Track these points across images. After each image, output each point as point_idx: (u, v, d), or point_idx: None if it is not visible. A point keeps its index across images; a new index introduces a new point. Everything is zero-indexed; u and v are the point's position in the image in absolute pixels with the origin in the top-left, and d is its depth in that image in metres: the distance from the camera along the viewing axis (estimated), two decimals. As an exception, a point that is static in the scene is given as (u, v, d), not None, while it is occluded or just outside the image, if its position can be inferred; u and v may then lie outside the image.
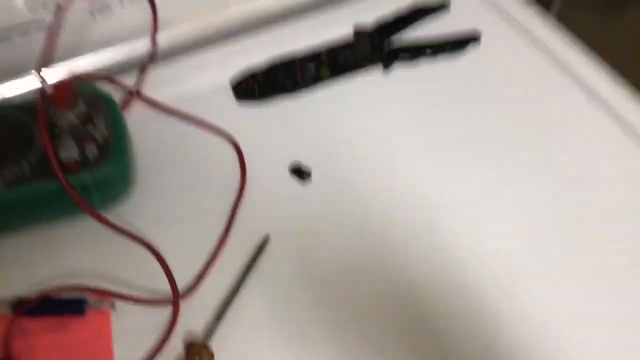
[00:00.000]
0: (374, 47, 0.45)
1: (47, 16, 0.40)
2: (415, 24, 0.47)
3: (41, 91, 0.34)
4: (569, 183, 0.39)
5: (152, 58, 0.43)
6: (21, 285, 0.33)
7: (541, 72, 0.45)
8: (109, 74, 0.41)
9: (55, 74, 0.40)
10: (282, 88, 0.43)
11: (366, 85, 0.44)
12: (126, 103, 0.41)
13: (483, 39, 0.46)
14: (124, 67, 0.43)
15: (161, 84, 0.43)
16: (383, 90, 0.44)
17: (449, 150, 0.41)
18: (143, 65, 0.43)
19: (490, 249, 0.36)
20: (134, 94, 0.41)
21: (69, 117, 0.35)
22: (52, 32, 0.37)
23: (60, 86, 0.35)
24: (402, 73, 0.45)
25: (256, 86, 0.42)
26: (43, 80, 0.35)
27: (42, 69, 0.36)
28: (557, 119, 0.43)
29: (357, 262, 0.35)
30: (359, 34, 0.47)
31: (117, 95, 0.39)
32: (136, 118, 0.40)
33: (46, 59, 0.36)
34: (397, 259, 0.35)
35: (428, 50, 0.45)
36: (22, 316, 0.32)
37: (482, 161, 0.40)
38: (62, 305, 0.33)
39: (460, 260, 0.35)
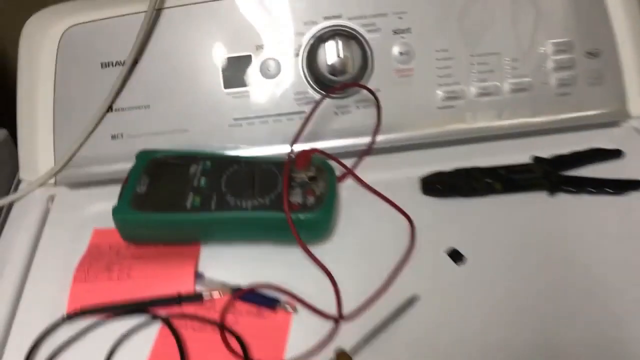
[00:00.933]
0: (546, 174, 0.54)
1: (306, 109, 0.58)
2: (589, 163, 0.55)
3: (289, 156, 0.51)
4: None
5: (369, 150, 0.58)
6: (240, 278, 0.48)
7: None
8: (336, 154, 0.56)
9: (301, 146, 0.56)
10: (460, 191, 0.54)
11: (531, 204, 0.53)
12: (343, 176, 0.56)
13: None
14: (347, 151, 0.58)
15: (370, 169, 0.57)
16: (544, 211, 0.52)
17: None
18: (361, 153, 0.58)
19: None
20: (349, 172, 0.56)
21: (302, 175, 0.51)
22: (306, 120, 0.53)
23: (302, 154, 0.51)
24: (566, 200, 0.53)
25: (440, 185, 0.54)
26: (292, 150, 0.52)
27: (294, 143, 0.53)
28: None
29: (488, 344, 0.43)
30: (538, 160, 0.56)
31: (337, 170, 0.54)
32: (346, 188, 0.55)
33: (298, 137, 0.53)
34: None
35: (591, 188, 0.52)
36: (235, 299, 0.47)
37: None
38: (262, 299, 0.47)
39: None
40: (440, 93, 0.59)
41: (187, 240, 0.50)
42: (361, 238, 0.51)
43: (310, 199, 0.49)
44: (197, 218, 0.48)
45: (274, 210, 0.48)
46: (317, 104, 0.54)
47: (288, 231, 0.47)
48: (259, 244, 0.51)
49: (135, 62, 0.57)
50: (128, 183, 0.50)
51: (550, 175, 0.54)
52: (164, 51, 0.57)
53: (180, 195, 0.49)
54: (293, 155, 0.51)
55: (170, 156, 0.53)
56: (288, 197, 0.48)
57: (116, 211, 0.48)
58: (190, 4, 0.57)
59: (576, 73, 0.59)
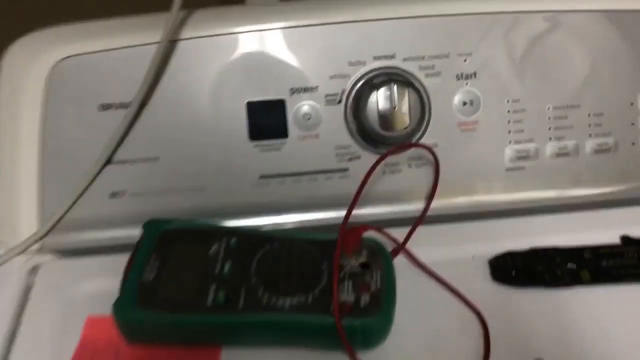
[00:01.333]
0: (642, 261, 0.44)
1: (349, 166, 0.48)
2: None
3: (340, 237, 0.40)
4: None
5: (422, 218, 0.48)
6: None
7: None
8: (382, 222, 0.46)
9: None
10: (539, 279, 0.44)
11: (627, 301, 0.43)
12: (392, 254, 0.46)
13: None
14: (395, 218, 0.48)
15: (425, 243, 0.47)
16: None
17: None
18: (414, 223, 0.48)
19: None
20: (400, 248, 0.46)
21: (352, 262, 0.41)
22: (361, 188, 0.43)
23: (351, 233, 0.41)
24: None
25: (514, 271, 0.44)
26: (344, 228, 0.41)
27: (348, 216, 0.42)
28: None
29: None
30: (627, 240, 0.46)
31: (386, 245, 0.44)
32: (398, 267, 0.44)
33: (351, 210, 0.43)
34: None
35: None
36: None
37: None
38: None
39: None
40: (509, 152, 0.49)
41: (204, 343, 0.40)
42: (421, 340, 0.41)
43: (365, 297, 0.39)
44: (221, 320, 0.38)
45: (318, 313, 0.38)
46: (375, 166, 0.43)
47: (336, 339, 0.37)
48: (291, 347, 0.40)
49: (142, 105, 0.46)
50: (133, 265, 0.40)
51: (646, 263, 0.44)
52: (178, 92, 0.47)
53: (199, 287, 0.39)
54: (343, 236, 0.41)
55: (186, 229, 0.43)
56: (338, 296, 0.38)
57: (118, 309, 0.37)
58: (212, 36, 0.46)
59: (671, 132, 0.50)
